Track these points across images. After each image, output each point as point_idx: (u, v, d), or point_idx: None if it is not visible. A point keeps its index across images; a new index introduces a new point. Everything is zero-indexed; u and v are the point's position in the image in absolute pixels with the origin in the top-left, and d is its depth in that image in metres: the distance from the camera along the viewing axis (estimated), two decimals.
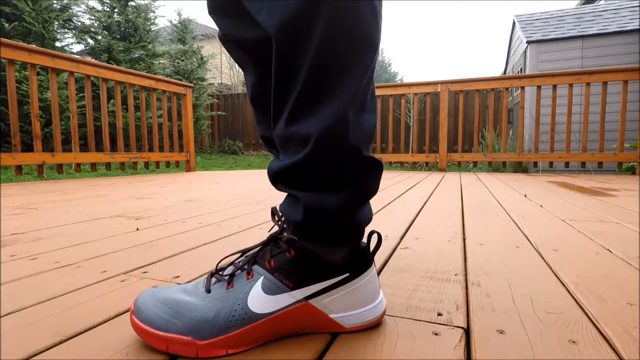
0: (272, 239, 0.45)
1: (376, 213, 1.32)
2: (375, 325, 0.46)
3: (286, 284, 0.42)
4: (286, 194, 0.46)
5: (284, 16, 0.36)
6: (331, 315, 0.44)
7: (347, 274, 0.44)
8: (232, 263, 0.46)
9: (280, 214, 0.46)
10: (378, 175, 0.44)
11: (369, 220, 0.46)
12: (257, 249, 0.46)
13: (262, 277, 0.43)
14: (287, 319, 0.42)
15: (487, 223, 1.15)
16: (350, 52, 0.38)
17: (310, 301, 0.43)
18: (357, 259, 0.45)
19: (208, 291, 0.43)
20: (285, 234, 0.45)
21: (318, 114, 0.38)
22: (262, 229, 1.07)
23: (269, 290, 0.42)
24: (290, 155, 0.41)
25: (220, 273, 0.45)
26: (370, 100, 0.42)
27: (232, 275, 0.44)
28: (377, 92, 4.19)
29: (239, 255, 0.47)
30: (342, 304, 0.44)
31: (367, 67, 0.39)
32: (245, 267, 0.44)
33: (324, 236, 0.43)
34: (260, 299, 0.42)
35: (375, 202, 1.53)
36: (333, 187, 0.41)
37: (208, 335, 0.40)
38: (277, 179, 0.44)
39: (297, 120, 0.39)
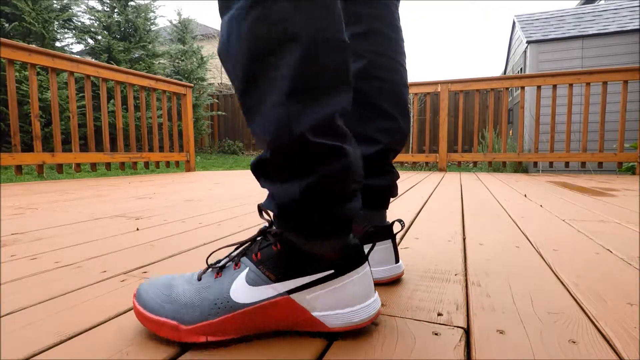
0: (262, 232, 0.46)
1: None
2: (364, 328, 0.45)
3: (269, 276, 0.43)
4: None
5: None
6: (314, 313, 0.43)
7: (332, 271, 0.43)
8: (228, 255, 0.48)
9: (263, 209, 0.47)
10: (341, 163, 0.42)
11: (351, 214, 0.44)
12: (249, 242, 0.47)
13: (247, 269, 0.44)
14: (266, 311, 0.42)
15: (487, 223, 1.15)
16: (266, 47, 0.39)
17: (291, 295, 0.43)
18: (346, 256, 0.44)
19: (199, 279, 0.45)
20: (273, 227, 0.46)
21: (261, 112, 0.41)
22: None
23: (251, 281, 0.43)
24: (262, 151, 0.45)
25: (215, 264, 0.46)
26: (321, 83, 0.40)
27: (222, 267, 0.46)
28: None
29: (236, 247, 0.48)
30: (326, 302, 0.43)
31: (292, 58, 0.39)
32: (235, 258, 0.46)
33: (300, 227, 0.43)
34: (242, 288, 0.43)
35: None
36: (293, 177, 0.42)
37: (190, 320, 0.41)
38: (256, 175, 0.46)
39: (250, 120, 0.43)
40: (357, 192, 0.46)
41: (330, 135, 0.41)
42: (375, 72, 0.62)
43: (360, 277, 0.45)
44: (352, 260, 0.45)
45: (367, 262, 0.46)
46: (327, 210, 0.43)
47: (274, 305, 0.42)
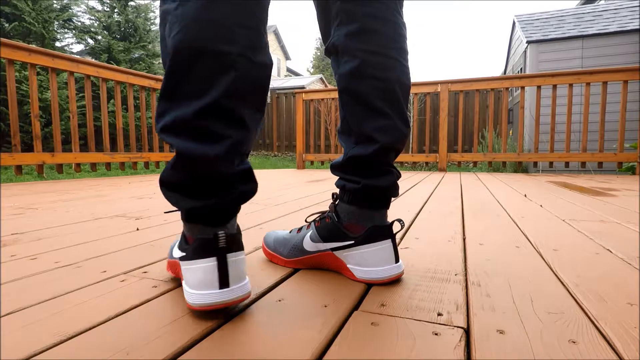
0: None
1: None
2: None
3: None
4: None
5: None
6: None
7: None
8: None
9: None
10: (180, 165, 0.51)
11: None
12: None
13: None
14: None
15: (487, 223, 1.15)
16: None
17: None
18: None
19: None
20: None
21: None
22: (262, 228, 1.07)
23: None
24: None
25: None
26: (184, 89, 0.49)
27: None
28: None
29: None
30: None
31: (166, 63, 0.50)
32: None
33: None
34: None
35: None
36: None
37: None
38: None
39: None
40: (227, 188, 0.52)
41: (184, 135, 0.49)
42: (369, 71, 0.62)
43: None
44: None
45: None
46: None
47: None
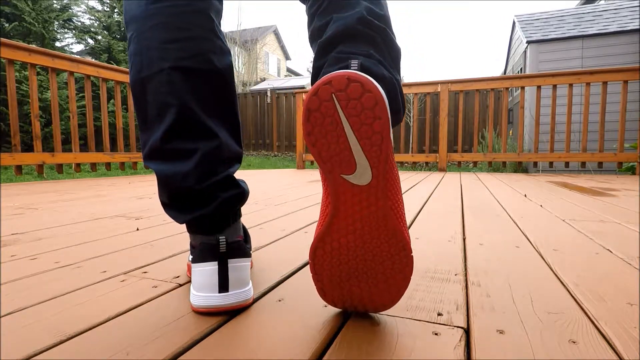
0: None
1: None
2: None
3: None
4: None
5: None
6: None
7: (191, 257, 0.55)
8: None
9: None
10: (161, 183, 0.54)
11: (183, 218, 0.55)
12: None
13: None
14: None
15: (487, 223, 1.15)
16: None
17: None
18: (198, 250, 0.52)
19: None
20: None
21: None
22: (262, 229, 1.07)
23: None
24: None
25: None
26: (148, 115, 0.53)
27: None
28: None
29: None
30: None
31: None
32: None
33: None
34: None
35: None
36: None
37: None
38: None
39: None
40: (181, 202, 0.53)
41: (158, 159, 0.52)
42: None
43: (199, 271, 0.50)
44: (200, 254, 0.51)
45: (213, 261, 0.50)
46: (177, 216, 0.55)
47: None
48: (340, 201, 0.43)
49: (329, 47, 0.50)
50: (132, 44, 0.52)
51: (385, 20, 0.52)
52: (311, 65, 0.52)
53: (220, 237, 0.50)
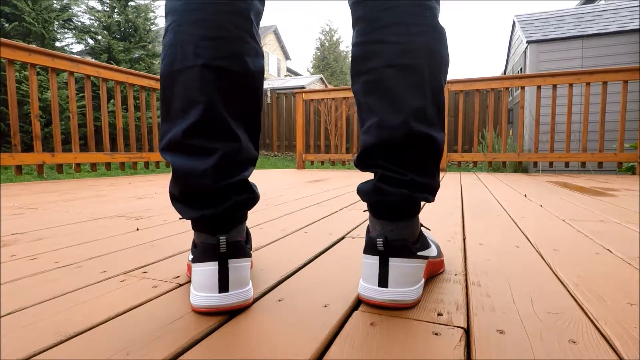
0: None
1: None
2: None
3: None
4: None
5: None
6: None
7: (192, 257, 0.56)
8: None
9: None
10: (175, 179, 0.54)
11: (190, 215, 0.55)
12: None
13: None
14: None
15: (487, 223, 1.15)
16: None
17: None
18: (198, 250, 0.52)
19: None
20: None
21: None
22: (262, 228, 1.07)
23: None
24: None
25: None
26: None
27: None
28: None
29: None
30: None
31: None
32: None
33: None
34: None
35: None
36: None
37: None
38: None
39: None
40: (188, 198, 0.53)
41: (178, 153, 0.52)
42: (355, 68, 0.57)
43: (199, 271, 0.50)
44: (200, 254, 0.51)
45: (213, 261, 0.50)
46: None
47: None
48: None
49: (369, 161, 0.55)
50: (168, 35, 0.52)
51: (434, 111, 0.54)
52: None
53: (220, 238, 0.50)
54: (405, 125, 0.52)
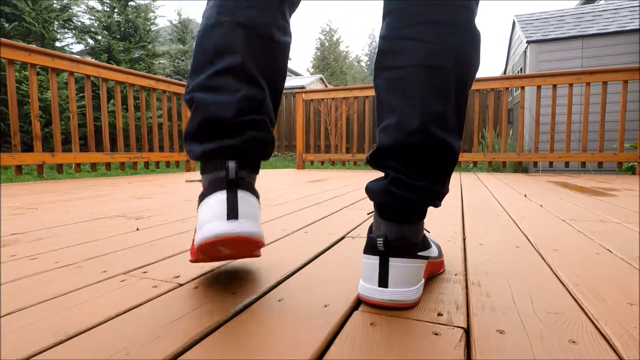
0: None
1: None
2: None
3: None
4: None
5: None
6: None
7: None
8: None
9: None
10: (195, 111, 0.55)
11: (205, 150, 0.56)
12: None
13: None
14: None
15: (487, 223, 1.15)
16: None
17: None
18: (209, 184, 0.54)
19: None
20: None
21: None
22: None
23: None
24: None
25: None
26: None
27: None
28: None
29: None
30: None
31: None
32: None
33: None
34: None
35: None
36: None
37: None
38: None
39: None
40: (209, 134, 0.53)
41: (201, 91, 0.53)
42: (382, 63, 0.55)
43: (205, 205, 0.50)
44: (209, 190, 0.51)
45: (219, 190, 0.50)
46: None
47: None
48: None
49: (383, 161, 0.54)
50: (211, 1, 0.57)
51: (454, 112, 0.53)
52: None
53: (229, 162, 0.48)
54: (424, 130, 0.50)
